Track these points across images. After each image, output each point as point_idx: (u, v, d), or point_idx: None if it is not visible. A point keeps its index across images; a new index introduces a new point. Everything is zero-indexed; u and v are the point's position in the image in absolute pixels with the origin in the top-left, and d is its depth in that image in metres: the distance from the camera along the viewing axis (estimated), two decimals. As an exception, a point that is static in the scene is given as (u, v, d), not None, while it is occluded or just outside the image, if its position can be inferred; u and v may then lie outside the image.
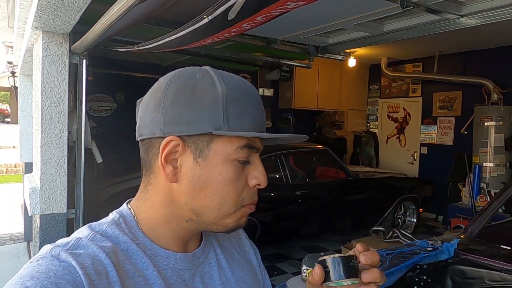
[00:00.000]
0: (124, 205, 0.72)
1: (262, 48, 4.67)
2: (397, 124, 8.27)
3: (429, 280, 2.26)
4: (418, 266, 2.24)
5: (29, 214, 3.22)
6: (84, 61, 3.29)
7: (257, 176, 0.69)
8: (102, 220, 0.69)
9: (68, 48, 3.15)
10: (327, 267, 0.68)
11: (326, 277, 0.68)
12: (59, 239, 0.63)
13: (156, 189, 0.69)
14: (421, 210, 6.28)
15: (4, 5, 4.51)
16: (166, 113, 0.65)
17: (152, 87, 0.70)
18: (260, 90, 7.59)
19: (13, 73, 7.61)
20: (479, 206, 5.52)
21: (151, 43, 2.47)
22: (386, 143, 8.49)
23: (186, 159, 0.66)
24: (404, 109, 8.14)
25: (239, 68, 6.53)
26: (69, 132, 3.31)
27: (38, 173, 3.17)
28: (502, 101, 6.22)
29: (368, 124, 8.92)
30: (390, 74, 7.85)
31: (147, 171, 0.70)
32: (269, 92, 7.67)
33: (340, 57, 5.16)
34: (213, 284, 0.73)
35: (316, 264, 0.69)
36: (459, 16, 3.20)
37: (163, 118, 0.65)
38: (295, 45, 4.74)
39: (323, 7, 3.34)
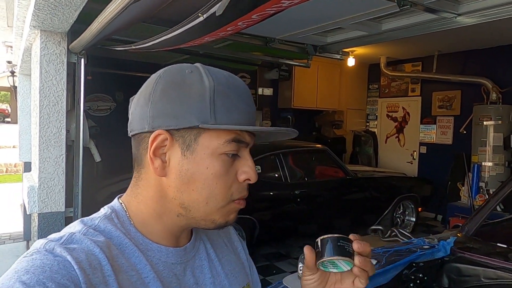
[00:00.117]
0: (116, 200, 0.73)
1: (261, 47, 4.68)
2: (396, 123, 8.27)
3: (425, 278, 2.26)
4: (414, 264, 2.24)
5: (27, 213, 3.22)
6: (82, 60, 3.29)
7: (246, 171, 0.69)
8: (94, 215, 0.69)
9: (66, 47, 3.16)
10: (319, 248, 0.69)
11: (320, 256, 0.68)
12: None
13: (147, 184, 0.69)
14: (420, 209, 6.29)
15: (3, 4, 4.52)
16: (155, 107, 0.66)
17: (144, 84, 0.71)
18: (260, 89, 7.60)
19: (12, 72, 7.62)
20: (478, 205, 5.52)
21: (148, 42, 2.48)
22: (386, 142, 8.49)
23: (174, 153, 0.66)
24: (403, 108, 8.15)
25: (238, 67, 6.53)
26: (68, 131, 3.31)
27: (37, 171, 3.17)
28: (501, 101, 6.23)
29: (368, 124, 8.92)
30: (390, 73, 7.85)
31: (138, 166, 0.71)
32: (268, 91, 7.68)
33: (338, 56, 5.16)
34: (203, 278, 0.74)
35: (305, 246, 0.70)
36: (456, 15, 3.21)
37: (152, 113, 0.66)
38: (293, 44, 4.74)
39: (320, 6, 3.35)
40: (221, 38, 2.46)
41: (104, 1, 2.06)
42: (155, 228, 0.69)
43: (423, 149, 7.74)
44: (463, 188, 6.42)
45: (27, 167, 5.21)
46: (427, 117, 7.65)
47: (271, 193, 4.87)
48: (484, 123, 6.14)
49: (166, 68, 0.70)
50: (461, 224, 4.97)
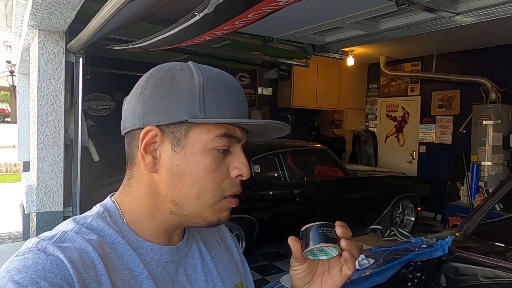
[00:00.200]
0: (108, 198, 0.72)
1: (260, 47, 4.68)
2: (396, 123, 8.27)
3: (423, 277, 2.26)
4: (411, 263, 2.24)
5: (25, 212, 3.22)
6: (81, 59, 3.29)
7: (238, 167, 0.68)
8: (86, 213, 0.69)
9: (64, 47, 3.16)
10: (304, 237, 0.69)
11: (306, 245, 0.68)
12: None
13: (139, 181, 0.69)
14: (419, 208, 6.28)
15: (2, 4, 4.52)
16: (145, 104, 0.66)
17: (136, 83, 0.71)
18: (259, 89, 7.60)
19: (11, 72, 7.62)
20: (477, 205, 5.52)
21: (145, 41, 2.48)
22: (385, 142, 8.49)
23: (164, 149, 0.66)
24: (403, 108, 8.14)
25: (238, 67, 6.53)
26: (66, 131, 3.31)
27: (35, 171, 3.17)
28: (500, 100, 6.22)
29: (367, 123, 8.92)
30: (389, 73, 7.85)
31: (131, 164, 0.71)
32: (268, 91, 7.68)
33: (337, 56, 5.16)
34: (196, 276, 0.74)
35: (289, 238, 0.70)
36: (454, 14, 3.21)
37: (143, 109, 0.66)
38: (292, 44, 4.74)
39: (318, 5, 3.35)
40: (218, 37, 2.46)
41: (101, 0, 2.06)
42: (148, 226, 0.69)
43: (423, 149, 7.74)
44: (462, 187, 6.42)
45: (26, 166, 5.22)
46: (426, 116, 7.64)
47: (270, 193, 4.87)
48: (484, 122, 6.14)
49: (157, 66, 0.70)
50: (460, 224, 4.97)
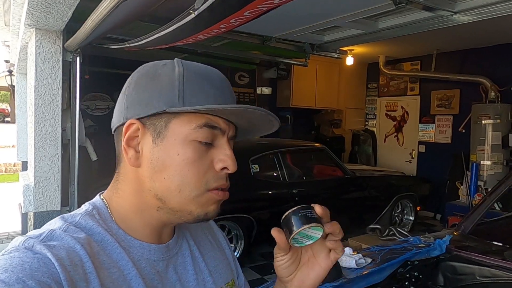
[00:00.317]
0: (97, 196, 0.72)
1: (258, 46, 4.67)
2: (395, 122, 8.26)
3: (420, 276, 2.26)
4: (409, 262, 2.23)
5: (23, 212, 3.22)
6: (78, 58, 3.29)
7: (223, 159, 0.67)
8: (75, 211, 0.68)
9: (61, 46, 3.16)
10: (286, 226, 0.68)
11: (290, 233, 0.67)
12: None
13: (126, 178, 0.69)
14: (418, 208, 6.28)
15: (0, 3, 4.52)
16: (128, 99, 0.67)
17: None
18: (258, 88, 7.59)
19: (10, 71, 7.61)
20: (475, 204, 5.51)
21: (142, 40, 2.47)
22: (384, 141, 8.48)
23: (146, 141, 0.66)
24: (402, 107, 8.13)
25: (237, 66, 6.53)
26: (63, 130, 3.31)
27: (32, 170, 3.17)
28: (499, 99, 6.21)
29: (367, 123, 8.91)
30: (388, 72, 7.84)
31: (118, 161, 0.70)
32: (267, 90, 7.67)
33: (336, 55, 5.16)
34: (186, 275, 0.73)
35: (272, 229, 0.69)
36: (452, 13, 3.20)
37: (126, 104, 0.67)
38: (290, 43, 4.74)
39: (316, 4, 3.35)
40: (215, 36, 2.45)
41: (97, -1, 2.06)
42: (137, 224, 0.68)
43: (422, 148, 7.73)
44: (461, 187, 6.42)
45: (25, 166, 5.21)
46: (426, 116, 7.64)
47: (269, 192, 4.86)
48: (483, 122, 6.13)
49: (144, 64, 0.71)
50: (459, 222, 4.98)
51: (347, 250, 2.27)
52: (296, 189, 5.00)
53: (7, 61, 7.52)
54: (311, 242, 0.68)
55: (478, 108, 6.29)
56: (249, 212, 4.51)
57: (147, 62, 0.71)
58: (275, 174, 5.00)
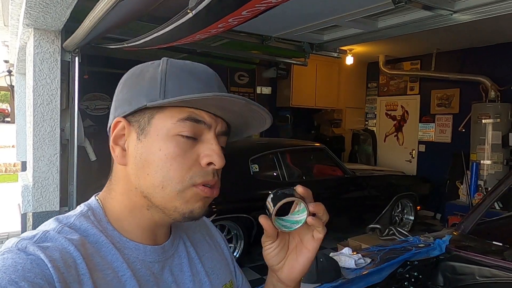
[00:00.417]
0: (93, 197, 0.72)
1: (258, 45, 4.66)
2: (395, 122, 8.25)
3: (420, 276, 2.25)
4: (408, 263, 2.23)
5: (22, 212, 3.21)
6: (77, 58, 3.28)
7: (208, 154, 0.65)
8: (70, 212, 0.68)
9: (60, 46, 3.15)
10: (268, 210, 0.68)
11: (272, 214, 0.67)
12: None
13: (117, 178, 0.69)
14: (418, 208, 6.27)
15: (-1, 3, 4.51)
16: (117, 99, 0.68)
17: None
18: (258, 88, 7.58)
19: (9, 72, 7.61)
20: (475, 204, 5.50)
21: (140, 40, 2.47)
22: (384, 141, 8.47)
23: (132, 139, 0.66)
24: (402, 107, 8.13)
25: (237, 66, 6.52)
26: (62, 130, 3.30)
27: (31, 171, 3.16)
28: (499, 99, 6.20)
29: (366, 122, 8.91)
30: (388, 72, 7.84)
31: (112, 162, 0.71)
32: (267, 90, 7.67)
33: (335, 55, 5.15)
34: (182, 276, 0.73)
35: (259, 217, 0.68)
36: (452, 12, 3.19)
37: (115, 104, 0.68)
38: (290, 43, 4.73)
39: (315, 3, 3.34)
40: (213, 35, 2.45)
41: (95, -2, 2.05)
42: (130, 224, 0.68)
43: (422, 148, 7.72)
44: (461, 186, 6.41)
45: (24, 166, 5.21)
46: (426, 115, 7.63)
47: (269, 192, 4.82)
48: (483, 121, 6.12)
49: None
50: (458, 222, 4.98)
51: (347, 250, 2.26)
52: (295, 189, 4.98)
53: (6, 61, 7.51)
54: (298, 225, 0.68)
55: (478, 107, 6.29)
56: (248, 212, 4.50)
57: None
58: (275, 174, 4.99)
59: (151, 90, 0.64)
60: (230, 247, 0.90)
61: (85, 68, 4.91)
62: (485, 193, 5.85)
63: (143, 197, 0.66)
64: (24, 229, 5.26)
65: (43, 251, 0.55)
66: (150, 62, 0.69)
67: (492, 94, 6.23)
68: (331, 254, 2.18)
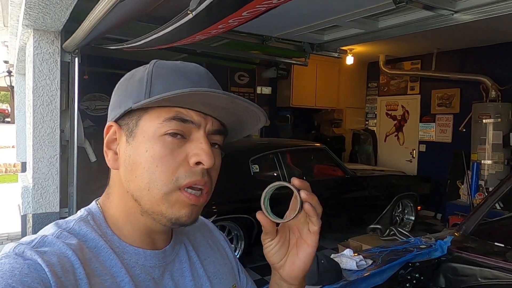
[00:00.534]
0: (93, 202, 0.71)
1: (258, 45, 4.66)
2: (395, 121, 8.24)
3: (421, 277, 2.25)
4: (410, 264, 2.22)
5: (21, 214, 3.21)
6: (76, 59, 3.27)
7: (196, 153, 0.63)
8: (70, 217, 0.68)
9: (59, 46, 3.14)
10: (263, 204, 0.68)
11: (265, 207, 0.67)
12: None
13: (113, 182, 0.69)
14: (419, 208, 6.26)
15: (-2, 4, 4.50)
16: (111, 103, 0.69)
17: None
18: (258, 88, 7.58)
19: (9, 72, 7.60)
20: (477, 204, 5.49)
21: (140, 40, 2.46)
22: (385, 141, 8.46)
23: (122, 142, 0.66)
24: (402, 106, 8.12)
25: (237, 66, 6.52)
26: (62, 131, 3.29)
27: (31, 172, 3.16)
28: (500, 98, 6.19)
29: (367, 122, 8.89)
30: (388, 71, 7.82)
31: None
32: (267, 90, 7.66)
33: (336, 55, 5.14)
34: (183, 281, 0.72)
35: (257, 213, 0.68)
36: (453, 12, 3.18)
37: (109, 109, 0.69)
38: (290, 43, 4.73)
39: (316, 3, 3.33)
40: (213, 36, 2.44)
41: (95, -1, 2.04)
42: (128, 229, 0.67)
43: (423, 148, 7.71)
44: (462, 186, 6.40)
45: (24, 167, 5.20)
46: (426, 115, 7.62)
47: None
48: (484, 121, 6.11)
49: None
50: (460, 223, 4.98)
51: (348, 251, 2.25)
52: (296, 189, 4.97)
53: (6, 62, 7.50)
54: (294, 214, 0.67)
55: (479, 107, 6.27)
56: (249, 213, 4.49)
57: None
58: (275, 174, 4.98)
59: (138, 92, 0.64)
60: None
61: (85, 68, 4.90)
62: (485, 193, 5.84)
63: (134, 200, 0.65)
64: (24, 230, 5.25)
65: (40, 255, 0.54)
66: (142, 66, 0.69)
67: (493, 93, 6.22)
68: (332, 256, 2.17)
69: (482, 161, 6.13)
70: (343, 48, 5.39)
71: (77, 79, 3.34)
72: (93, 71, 5.34)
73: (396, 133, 8.24)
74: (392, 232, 4.37)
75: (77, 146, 3.44)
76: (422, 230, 6.28)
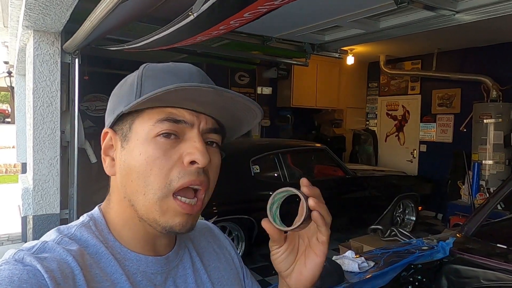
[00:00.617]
0: (96, 207, 0.71)
1: (258, 46, 4.65)
2: (396, 122, 8.23)
3: (424, 279, 2.23)
4: (412, 266, 2.21)
5: (22, 215, 3.20)
6: (77, 60, 3.26)
7: (190, 152, 0.62)
8: (72, 223, 0.67)
9: (60, 47, 3.13)
10: (269, 212, 0.66)
11: (272, 215, 0.66)
12: None
13: (112, 189, 0.69)
14: (420, 208, 6.26)
15: (-2, 4, 4.49)
16: (106, 110, 0.69)
17: None
18: (259, 88, 7.57)
19: (9, 73, 7.59)
20: (478, 204, 5.48)
21: (141, 41, 2.45)
22: (385, 141, 8.45)
23: (117, 148, 0.66)
24: (403, 106, 8.11)
25: (237, 66, 6.51)
26: (62, 132, 3.28)
27: (31, 173, 3.15)
28: (501, 98, 6.18)
29: (367, 122, 8.89)
30: (389, 71, 7.81)
31: None
32: (267, 90, 7.65)
33: (336, 55, 5.13)
34: (186, 287, 0.71)
35: (262, 221, 0.66)
36: (454, 12, 3.18)
37: (105, 116, 0.69)
38: (291, 43, 4.72)
39: (317, 4, 3.32)
40: (214, 37, 2.43)
41: (96, 0, 2.03)
42: (128, 235, 0.66)
43: (423, 148, 7.70)
44: (463, 186, 6.39)
45: (24, 168, 5.19)
46: (427, 115, 7.61)
47: (270, 193, 4.74)
48: (484, 121, 6.10)
49: None
50: (461, 223, 4.96)
51: (350, 253, 2.24)
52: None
53: (6, 62, 7.49)
54: (299, 223, 0.65)
55: (480, 107, 6.26)
56: (250, 213, 4.49)
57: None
58: (275, 174, 4.97)
59: (129, 96, 0.64)
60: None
61: (85, 69, 4.89)
62: (486, 193, 5.84)
63: (131, 206, 0.64)
64: (24, 232, 5.25)
65: (40, 261, 0.54)
66: (135, 71, 0.69)
67: (494, 93, 6.21)
68: (334, 258, 2.16)
69: (483, 161, 6.12)
70: (344, 48, 5.39)
71: (77, 80, 3.33)
72: (94, 72, 5.33)
73: (396, 133, 8.23)
74: (393, 233, 4.36)
75: (78, 147, 3.43)
76: (423, 231, 6.27)
